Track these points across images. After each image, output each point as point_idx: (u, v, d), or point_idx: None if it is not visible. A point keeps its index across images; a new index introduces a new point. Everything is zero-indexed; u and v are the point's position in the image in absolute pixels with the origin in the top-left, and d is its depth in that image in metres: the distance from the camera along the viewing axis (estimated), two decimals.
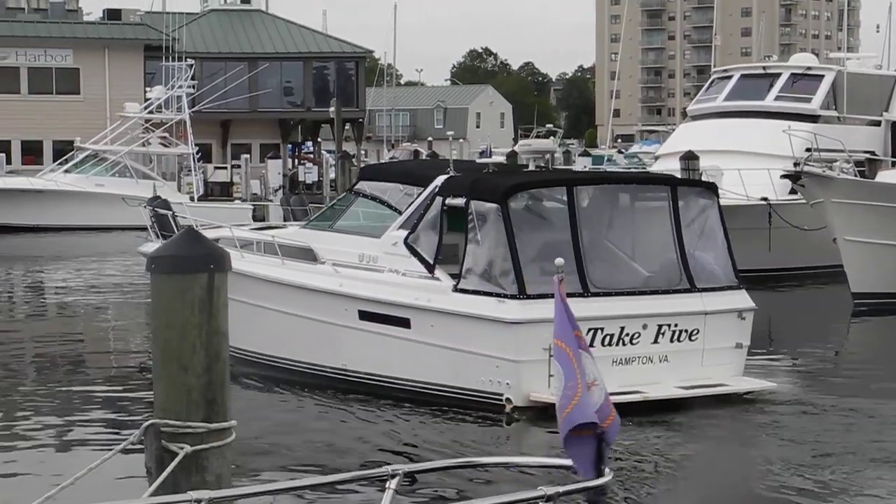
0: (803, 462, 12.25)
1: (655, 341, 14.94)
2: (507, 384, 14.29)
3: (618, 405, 13.97)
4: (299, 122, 68.89)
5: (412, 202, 15.81)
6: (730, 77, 33.72)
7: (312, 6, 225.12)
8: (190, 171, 51.44)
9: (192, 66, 55.41)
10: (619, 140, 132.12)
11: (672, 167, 28.09)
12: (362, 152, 69.17)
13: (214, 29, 67.10)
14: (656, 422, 13.86)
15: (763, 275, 28.68)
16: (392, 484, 6.02)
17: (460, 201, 15.02)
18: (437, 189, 15.52)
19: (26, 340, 21.86)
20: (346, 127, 68.61)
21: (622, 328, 14.77)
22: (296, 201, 22.76)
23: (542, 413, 13.77)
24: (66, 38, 57.57)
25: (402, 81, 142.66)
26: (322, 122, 68.02)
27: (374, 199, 16.83)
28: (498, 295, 14.45)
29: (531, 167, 16.84)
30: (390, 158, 71.48)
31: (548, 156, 56.64)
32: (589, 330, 14.13)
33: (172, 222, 19.00)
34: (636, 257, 15.79)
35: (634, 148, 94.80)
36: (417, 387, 14.95)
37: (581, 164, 38.74)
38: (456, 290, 14.74)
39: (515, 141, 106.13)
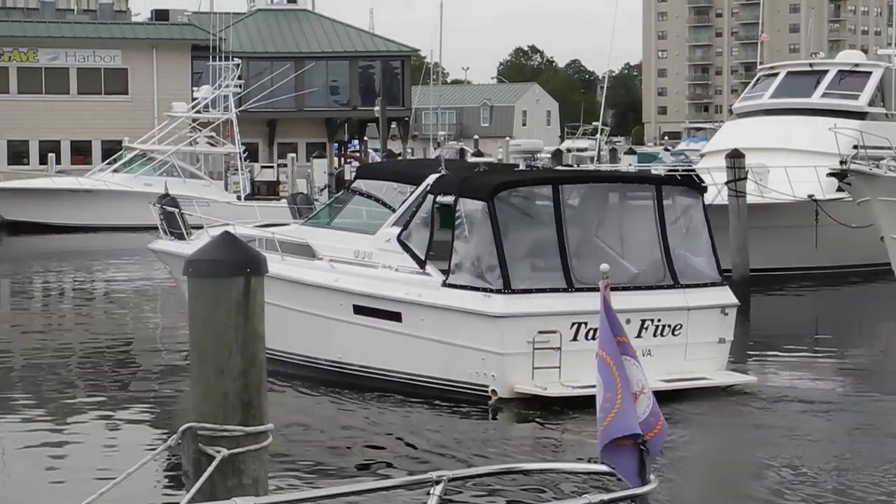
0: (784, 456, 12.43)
1: (639, 336, 15.20)
2: (493, 376, 14.73)
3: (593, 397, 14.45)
4: (345, 120, 69.04)
5: (405, 200, 16.34)
6: (776, 74, 33.49)
7: (359, 5, 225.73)
8: (237, 170, 51.64)
9: (238, 65, 55.63)
10: (666, 137, 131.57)
11: (718, 165, 27.95)
12: (408, 151, 69.23)
13: (261, 28, 67.35)
14: None
15: (810, 273, 28.52)
16: (437, 490, 6.03)
17: (450, 199, 15.52)
18: (428, 187, 16.02)
19: (73, 340, 22.04)
20: (392, 125, 68.69)
21: None
22: (302, 200, 23.16)
23: (527, 404, 14.44)
24: (114, 39, 57.97)
25: (449, 80, 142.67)
26: (368, 121, 68.12)
27: (369, 196, 17.40)
28: (484, 290, 15.02)
29: (521, 166, 17.09)
30: (436, 157, 71.44)
31: (538, 156, 57.11)
32: (573, 324, 14.83)
33: (179, 220, 19.49)
34: (621, 254, 16.11)
35: (681, 145, 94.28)
36: (409, 379, 15.40)
37: (626, 162, 38.59)
38: (445, 285, 15.29)
39: (562, 139, 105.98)
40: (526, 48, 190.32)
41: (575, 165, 39.51)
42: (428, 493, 6.16)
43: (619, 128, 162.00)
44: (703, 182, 28.39)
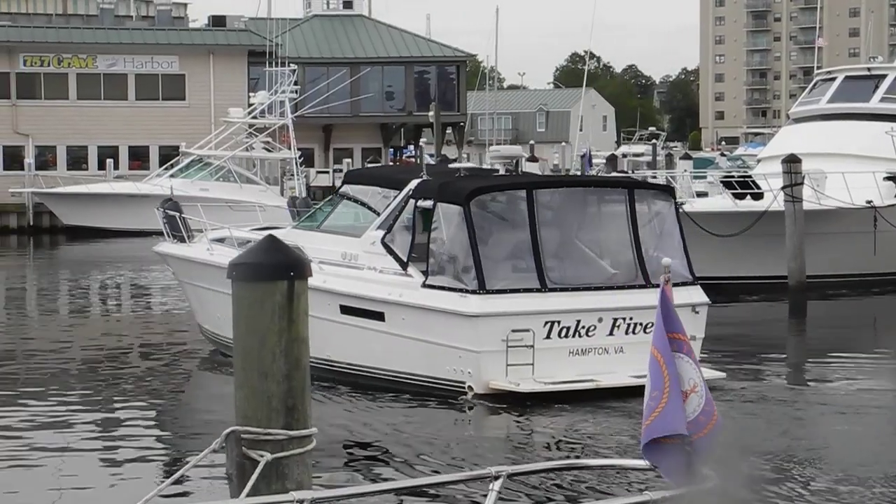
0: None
1: (611, 333, 15.97)
2: (469, 373, 15.48)
3: (572, 393, 15.13)
4: (401, 126, 69.18)
5: (389, 204, 17.09)
6: (833, 79, 33.16)
7: (416, 11, 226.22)
8: (292, 175, 51.84)
9: (294, 71, 55.85)
10: (723, 143, 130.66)
11: (774, 170, 27.71)
12: (464, 156, 69.22)
13: (317, 34, 67.62)
14: (611, 408, 14.91)
15: (868, 279, 28.20)
16: (496, 486, 6.03)
17: (429, 203, 16.31)
18: (410, 192, 16.77)
19: (127, 343, 22.20)
20: (448, 131, 68.74)
21: (578, 321, 15.82)
22: (301, 203, 23.79)
23: (501, 399, 15.22)
24: (172, 45, 58.34)
25: (505, 85, 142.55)
26: (423, 126, 68.21)
27: (355, 201, 18.26)
28: (460, 290, 15.74)
29: (501, 171, 17.80)
30: (492, 163, 71.44)
31: (516, 160, 57.41)
32: (546, 322, 15.61)
33: (181, 223, 20.17)
34: (593, 255, 16.80)
35: (739, 150, 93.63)
36: (392, 376, 16.10)
37: (681, 168, 38.36)
38: (424, 285, 16.00)
39: (618, 144, 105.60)
40: (582, 53, 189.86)
41: (630, 171, 39.34)
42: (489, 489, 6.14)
43: (677, 133, 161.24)
44: (760, 187, 28.33)
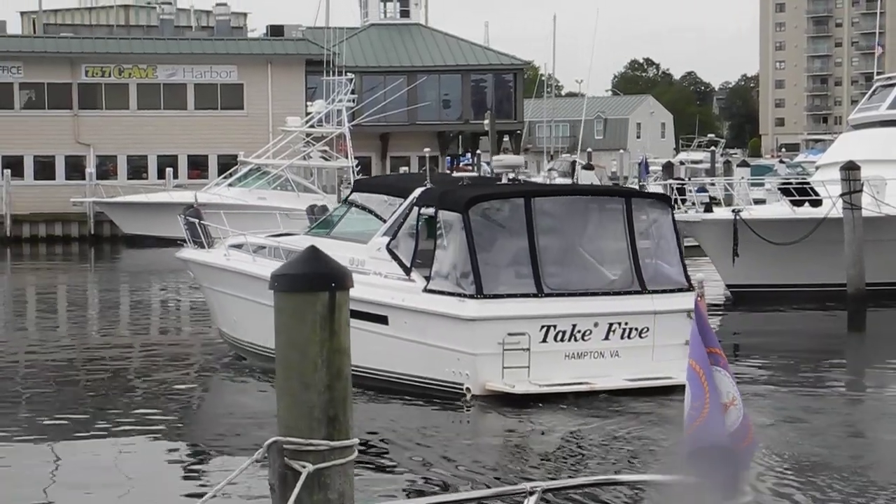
0: None
1: (606, 338, 16.51)
2: (467, 375, 16.05)
3: (568, 395, 15.64)
4: (458, 134, 69.23)
5: (394, 212, 17.75)
6: (893, 84, 32.82)
7: (474, 19, 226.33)
8: (350, 184, 51.96)
9: (352, 80, 56.03)
10: (783, 149, 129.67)
11: (833, 177, 27.46)
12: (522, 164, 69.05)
13: (374, 43, 67.84)
14: (607, 411, 15.45)
15: None
16: (531, 501, 6.00)
17: (431, 211, 16.98)
18: (414, 200, 17.43)
19: (186, 352, 22.35)
20: (505, 139, 68.64)
21: (574, 325, 16.37)
22: (319, 210, 24.47)
23: (498, 400, 15.81)
24: (230, 55, 58.77)
25: (563, 92, 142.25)
26: (480, 134, 68.20)
27: (363, 208, 18.95)
28: (459, 294, 16.29)
29: (504, 180, 19.21)
30: (549, 170, 71.30)
31: (517, 169, 57.57)
32: (542, 326, 16.20)
33: (200, 230, 21.03)
34: (590, 262, 17.36)
35: (799, 157, 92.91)
36: (396, 378, 16.61)
37: (739, 175, 38.12)
38: (425, 290, 16.60)
39: (677, 151, 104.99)
40: (641, 60, 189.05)
41: (687, 178, 39.21)
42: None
43: (736, 140, 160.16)
44: (818, 194, 28.07)
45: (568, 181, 50.71)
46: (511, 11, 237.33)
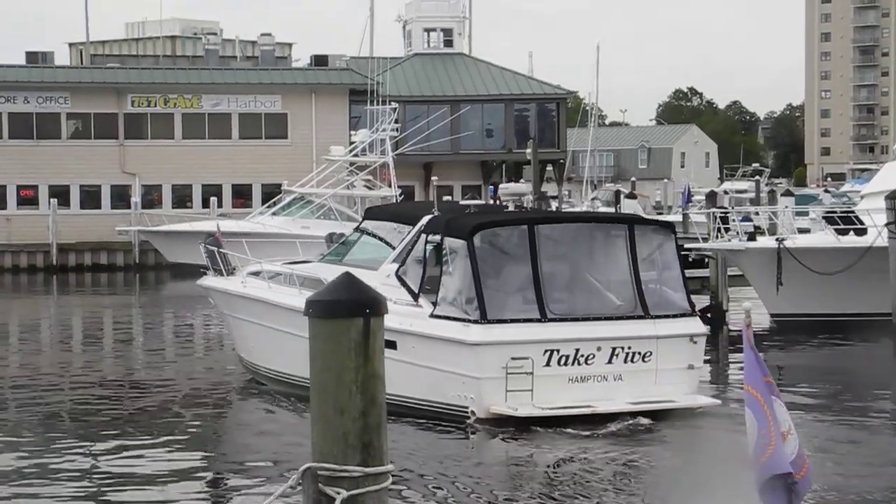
0: None
1: (609, 362, 16.82)
2: (472, 398, 16.40)
3: (570, 418, 16.06)
4: (501, 163, 69.25)
5: (403, 239, 18.15)
6: None
7: (519, 48, 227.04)
8: None
9: (395, 109, 56.14)
10: (829, 179, 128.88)
11: (878, 206, 27.29)
12: (565, 193, 68.98)
13: (418, 72, 68.05)
14: (608, 433, 15.84)
15: None
16: None
17: (437, 238, 17.36)
18: (422, 228, 17.81)
19: (216, 378, 22.43)
20: (548, 168, 68.63)
21: (577, 350, 16.66)
22: (337, 238, 25.00)
23: (502, 423, 16.17)
24: (275, 85, 59.08)
25: (607, 122, 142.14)
26: (524, 164, 68.20)
27: (373, 236, 19.41)
28: (464, 320, 16.63)
29: (511, 208, 19.94)
30: (592, 199, 71.20)
31: (524, 197, 58.28)
32: (545, 351, 16.51)
33: (219, 258, 21.52)
34: (594, 287, 17.71)
35: (846, 187, 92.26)
36: (403, 401, 16.73)
37: (783, 204, 37.93)
38: (432, 315, 16.92)
39: (721, 180, 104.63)
40: (685, 90, 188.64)
41: (731, 207, 39.07)
42: None
43: (781, 169, 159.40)
44: (863, 223, 27.87)
45: (612, 210, 50.60)
46: (555, 41, 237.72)
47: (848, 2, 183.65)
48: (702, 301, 32.44)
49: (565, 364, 16.65)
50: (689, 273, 33.79)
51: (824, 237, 29.05)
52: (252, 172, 57.58)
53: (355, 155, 53.25)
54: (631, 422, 16.22)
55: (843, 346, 25.95)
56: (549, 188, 75.44)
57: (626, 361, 16.86)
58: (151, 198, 57.22)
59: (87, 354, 27.63)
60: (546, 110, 67.94)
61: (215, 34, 77.50)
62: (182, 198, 57.80)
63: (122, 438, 16.64)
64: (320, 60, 65.63)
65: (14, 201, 56.05)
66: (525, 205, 53.32)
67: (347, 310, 6.02)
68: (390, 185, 52.18)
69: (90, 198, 56.68)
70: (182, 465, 15.07)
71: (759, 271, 28.61)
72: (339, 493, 5.92)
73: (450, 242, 17.18)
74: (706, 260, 31.83)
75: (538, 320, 16.71)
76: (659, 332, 17.03)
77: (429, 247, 17.49)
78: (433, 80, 67.39)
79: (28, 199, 56.10)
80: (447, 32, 70.88)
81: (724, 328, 29.57)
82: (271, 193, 54.71)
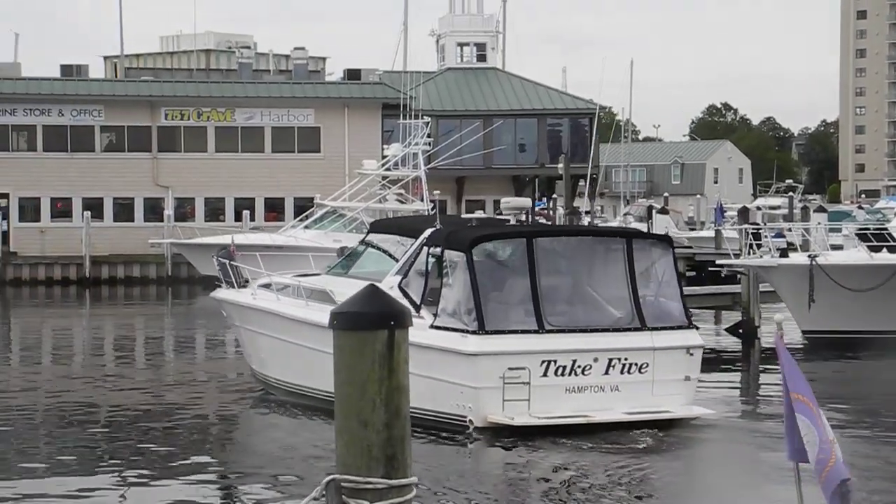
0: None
1: (606, 373, 17.17)
2: (470, 407, 16.72)
3: (567, 427, 16.42)
4: (533, 178, 69.21)
5: (406, 252, 18.45)
6: None
7: (552, 63, 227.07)
8: None
9: (428, 123, 56.17)
10: (863, 195, 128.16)
11: None
12: (598, 208, 68.84)
13: (451, 87, 68.13)
14: (606, 442, 16.13)
15: None
16: None
17: (438, 251, 17.66)
18: (424, 240, 18.12)
19: (242, 389, 22.48)
20: (581, 183, 68.55)
21: (574, 361, 17.00)
22: (348, 251, 25.36)
23: (499, 433, 16.49)
24: (308, 99, 59.25)
25: (640, 137, 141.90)
26: (556, 179, 68.13)
27: (377, 248, 19.80)
28: (462, 331, 16.92)
29: (512, 221, 20.12)
30: (625, 214, 71.03)
31: (649, 210, 58.10)
32: (543, 361, 16.86)
33: (230, 271, 22.00)
34: (592, 300, 18.03)
35: (880, 203, 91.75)
36: None
37: (815, 220, 37.76)
38: (432, 326, 17.17)
39: (754, 196, 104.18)
40: (719, 105, 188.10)
41: (763, 223, 38.93)
42: None
43: (815, 185, 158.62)
44: (891, 240, 27.69)
45: (644, 226, 50.48)
46: (589, 56, 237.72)
47: (883, 18, 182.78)
48: (733, 317, 32.39)
49: (562, 374, 17.01)
50: (720, 289, 33.85)
51: (857, 254, 28.89)
52: (285, 186, 57.76)
53: (388, 169, 53.30)
54: (630, 433, 16.58)
55: (875, 363, 25.76)
56: (582, 203, 75.33)
57: (622, 372, 17.22)
58: (184, 211, 57.46)
59: (115, 367, 27.74)
60: (579, 125, 67.88)
61: (249, 48, 77.76)
62: (215, 211, 58.02)
63: (142, 455, 16.68)
64: (353, 74, 65.78)
65: (48, 214, 56.41)
66: (650, 222, 53.53)
67: (372, 322, 6.03)
68: (423, 199, 52.18)
69: (123, 210, 56.98)
70: (203, 476, 15.17)
71: (791, 288, 28.46)
72: None
73: (450, 255, 17.53)
74: (738, 276, 31.70)
75: (535, 331, 17.07)
76: (656, 344, 17.38)
77: (430, 259, 17.79)
78: (466, 95, 67.45)
79: (62, 211, 56.45)
80: (480, 47, 70.95)
81: (756, 344, 29.43)
82: (304, 207, 54.83)
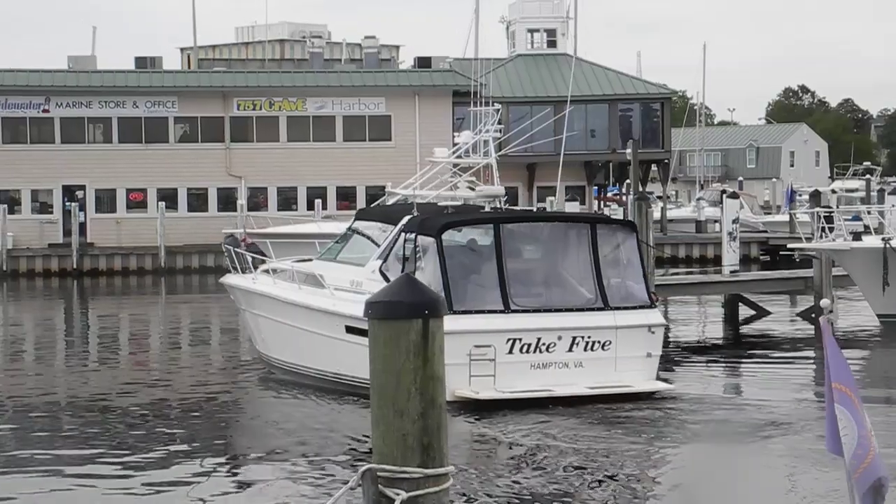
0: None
1: (570, 350, 18.26)
2: None
3: (532, 400, 17.48)
4: (605, 163, 68.84)
5: (386, 238, 19.56)
6: None
7: (627, 49, 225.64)
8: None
9: (498, 110, 55.87)
10: None
11: None
12: (671, 194, 68.35)
13: (521, 74, 67.92)
14: (567, 415, 17.10)
15: None
16: None
17: (413, 236, 18.72)
18: (402, 227, 19.17)
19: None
20: (653, 168, 68.10)
21: (539, 339, 18.09)
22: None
23: (466, 406, 17.57)
24: (378, 87, 59.38)
25: (715, 121, 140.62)
26: (628, 164, 67.65)
27: (362, 235, 20.91)
28: None
29: (487, 209, 21.65)
30: (698, 199, 70.47)
31: (499, 199, 57.68)
32: (508, 339, 17.98)
33: (236, 258, 23.20)
34: (557, 282, 19.14)
35: None
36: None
37: (890, 203, 37.21)
38: None
39: (832, 179, 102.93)
40: (796, 88, 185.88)
41: (837, 206, 38.44)
42: None
43: (895, 168, 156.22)
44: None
45: (717, 211, 50.01)
46: (663, 41, 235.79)
47: None
48: (806, 302, 31.99)
49: (527, 352, 18.08)
50: (792, 273, 33.36)
51: None
52: (356, 174, 57.95)
53: (458, 156, 53.22)
54: (592, 406, 17.52)
55: None
56: (655, 188, 74.81)
57: (586, 350, 18.28)
58: (257, 200, 57.86)
59: (189, 357, 28.01)
60: (651, 110, 67.38)
61: (320, 37, 78.02)
62: (287, 200, 58.36)
63: (178, 443, 16.88)
64: (423, 62, 65.79)
65: (124, 204, 57.10)
66: (500, 205, 53.60)
67: (407, 311, 6.02)
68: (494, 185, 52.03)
69: (197, 200, 57.52)
70: (233, 464, 15.43)
71: (865, 271, 28.09)
72: (398, 495, 5.91)
73: (422, 240, 18.60)
74: (811, 260, 31.32)
75: (502, 311, 18.13)
76: (618, 323, 18.44)
77: (407, 244, 18.81)
78: (536, 81, 67.21)
79: (137, 202, 57.10)
80: (550, 33, 70.62)
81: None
82: (375, 195, 54.91)
